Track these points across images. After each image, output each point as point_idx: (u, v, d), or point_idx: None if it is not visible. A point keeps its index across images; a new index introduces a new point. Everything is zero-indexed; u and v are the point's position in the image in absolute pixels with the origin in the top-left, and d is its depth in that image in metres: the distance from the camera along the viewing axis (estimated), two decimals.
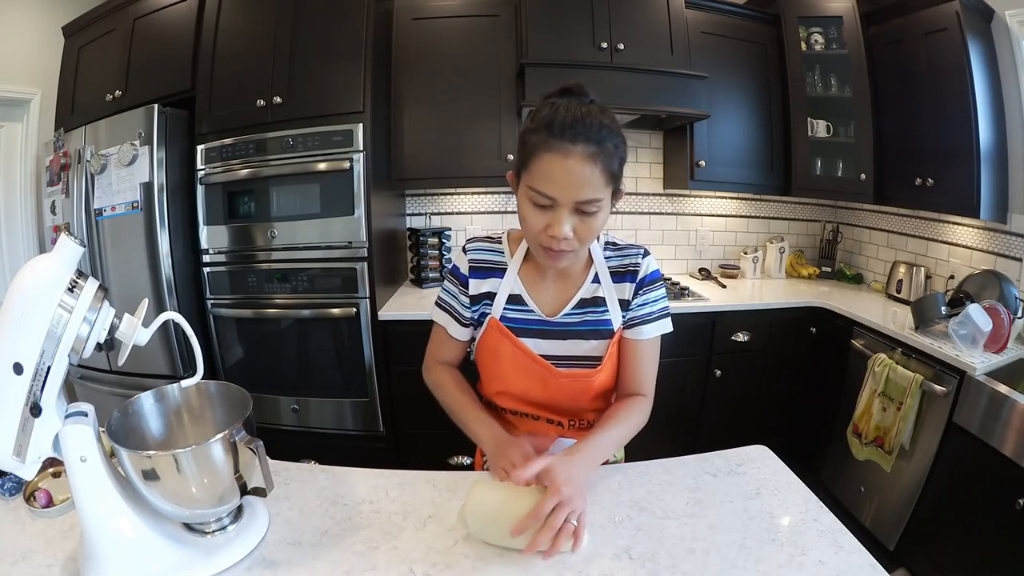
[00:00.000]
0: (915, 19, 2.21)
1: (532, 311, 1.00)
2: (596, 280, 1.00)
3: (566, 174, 0.80)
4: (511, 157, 2.40)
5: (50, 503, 0.83)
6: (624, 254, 1.01)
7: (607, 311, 1.00)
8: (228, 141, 2.10)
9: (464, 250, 1.04)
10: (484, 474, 0.96)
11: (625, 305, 1.00)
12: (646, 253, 1.02)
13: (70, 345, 0.64)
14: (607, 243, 1.04)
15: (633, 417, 1.00)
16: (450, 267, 1.07)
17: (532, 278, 1.02)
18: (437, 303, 1.08)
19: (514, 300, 1.01)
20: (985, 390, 1.62)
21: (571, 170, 0.80)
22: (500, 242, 1.05)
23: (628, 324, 1.00)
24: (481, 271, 1.03)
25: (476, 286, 1.03)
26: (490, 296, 1.02)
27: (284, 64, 2.07)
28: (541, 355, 0.99)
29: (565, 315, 1.00)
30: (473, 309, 1.04)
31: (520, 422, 1.07)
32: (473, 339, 1.08)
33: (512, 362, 1.00)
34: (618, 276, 1.00)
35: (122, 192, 2.07)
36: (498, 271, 1.03)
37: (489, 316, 1.01)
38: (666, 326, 1.02)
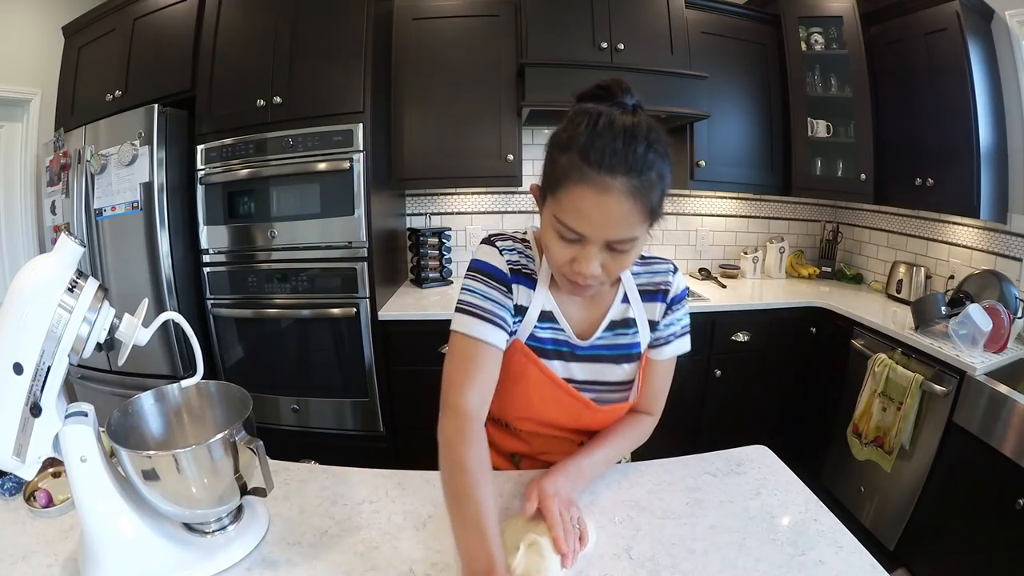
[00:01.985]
0: (915, 19, 2.21)
1: (563, 331, 0.89)
2: (625, 299, 0.91)
3: (599, 211, 0.69)
4: (511, 157, 2.39)
5: (50, 503, 0.83)
6: (653, 270, 0.92)
7: (637, 333, 0.91)
8: (228, 141, 2.10)
9: (497, 247, 0.88)
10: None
11: (654, 326, 0.92)
12: (675, 269, 0.94)
13: (70, 345, 0.64)
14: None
15: (633, 435, 0.96)
16: (479, 265, 0.87)
17: (563, 293, 0.88)
18: (468, 311, 0.84)
19: (545, 317, 0.88)
20: (985, 390, 1.62)
21: (606, 208, 0.68)
22: (528, 244, 0.90)
23: (651, 344, 0.94)
24: (519, 276, 0.87)
25: (516, 292, 0.87)
26: (521, 310, 0.87)
27: (284, 64, 2.07)
28: (567, 378, 0.90)
29: (598, 338, 0.90)
30: (515, 320, 0.87)
31: (535, 440, 0.98)
32: None
33: (540, 391, 0.89)
34: (648, 295, 0.92)
35: (122, 192, 2.07)
36: (528, 278, 0.88)
37: (514, 337, 0.88)
38: (685, 345, 0.96)
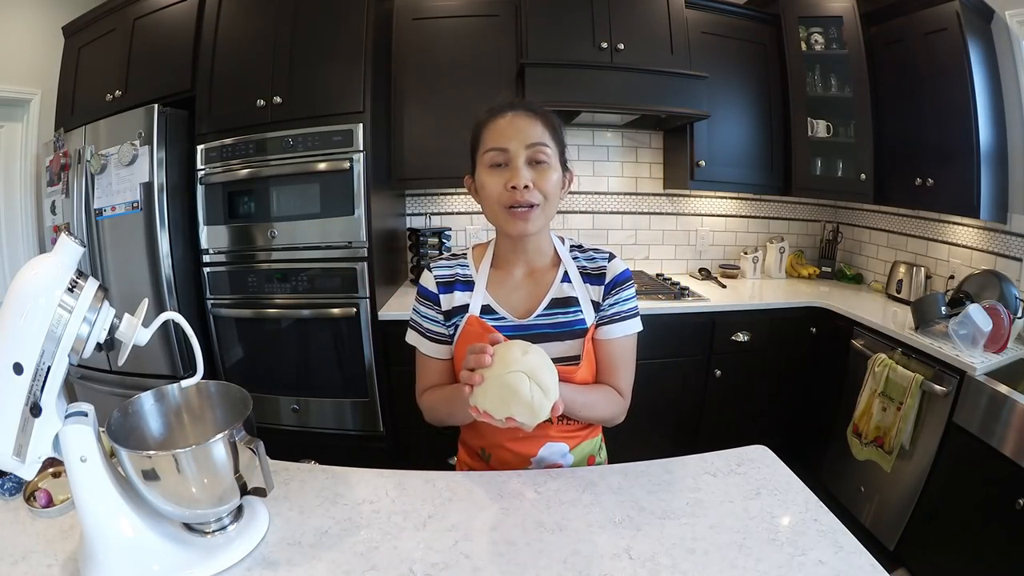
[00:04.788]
0: (915, 19, 2.21)
1: (504, 318, 1.01)
2: (566, 279, 1.03)
3: (512, 125, 0.93)
4: None
5: (50, 503, 0.83)
6: (590, 256, 1.05)
7: (580, 311, 1.01)
8: (228, 141, 2.10)
9: (429, 269, 1.07)
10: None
11: (596, 306, 1.03)
12: (612, 256, 1.05)
13: (70, 345, 0.64)
14: (573, 246, 1.07)
15: (609, 398, 1.01)
16: (418, 288, 1.07)
17: (499, 287, 1.04)
18: (411, 327, 1.07)
19: (485, 311, 1.02)
20: (985, 390, 1.62)
21: (517, 122, 0.93)
22: (465, 257, 1.07)
23: (598, 323, 1.02)
24: (448, 285, 1.04)
25: (447, 301, 1.04)
26: (462, 309, 1.03)
27: (284, 64, 2.07)
28: None
29: (537, 316, 1.01)
30: (447, 325, 1.04)
31: (506, 428, 1.01)
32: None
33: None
34: (587, 277, 1.03)
35: (122, 192, 2.07)
36: (464, 283, 1.04)
37: (467, 315, 1.01)
38: (636, 325, 1.04)
